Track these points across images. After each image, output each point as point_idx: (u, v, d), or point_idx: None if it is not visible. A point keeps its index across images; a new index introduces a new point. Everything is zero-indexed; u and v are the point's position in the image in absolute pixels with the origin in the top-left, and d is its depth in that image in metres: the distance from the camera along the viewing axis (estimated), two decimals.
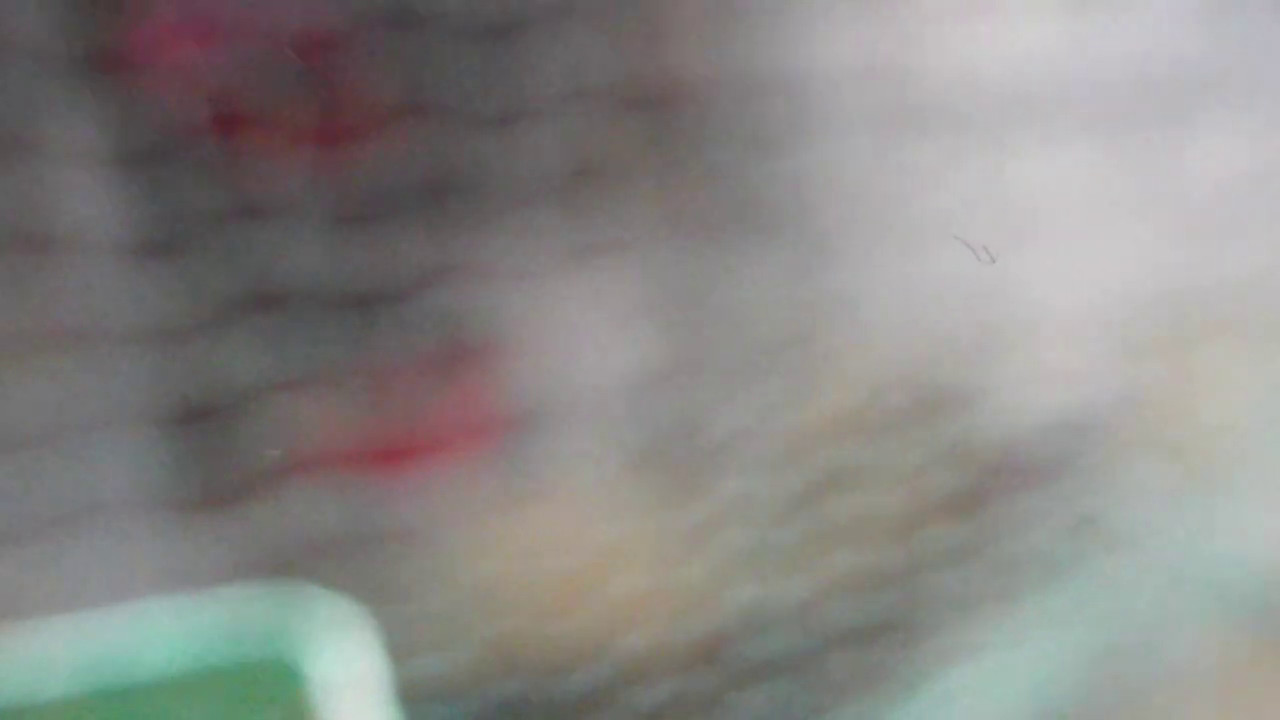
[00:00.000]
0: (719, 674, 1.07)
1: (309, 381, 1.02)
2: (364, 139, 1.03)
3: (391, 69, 1.03)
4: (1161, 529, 1.12)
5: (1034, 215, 1.11)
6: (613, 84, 1.05)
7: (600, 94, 1.05)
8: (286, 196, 1.02)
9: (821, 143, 1.08)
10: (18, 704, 0.61)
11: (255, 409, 1.02)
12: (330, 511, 1.02)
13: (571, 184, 1.05)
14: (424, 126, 1.03)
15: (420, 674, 0.96)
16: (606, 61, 1.05)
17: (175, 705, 0.62)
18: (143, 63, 1.00)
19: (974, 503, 1.09)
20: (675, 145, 1.07)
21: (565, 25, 1.04)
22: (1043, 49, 1.10)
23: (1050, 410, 1.12)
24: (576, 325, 1.07)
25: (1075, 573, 1.10)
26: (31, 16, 0.97)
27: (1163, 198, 1.12)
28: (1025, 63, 1.10)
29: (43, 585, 0.96)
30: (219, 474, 1.01)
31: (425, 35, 1.03)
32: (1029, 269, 1.10)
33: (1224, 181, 1.12)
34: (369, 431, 1.04)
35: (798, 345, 1.09)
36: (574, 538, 1.07)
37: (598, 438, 1.08)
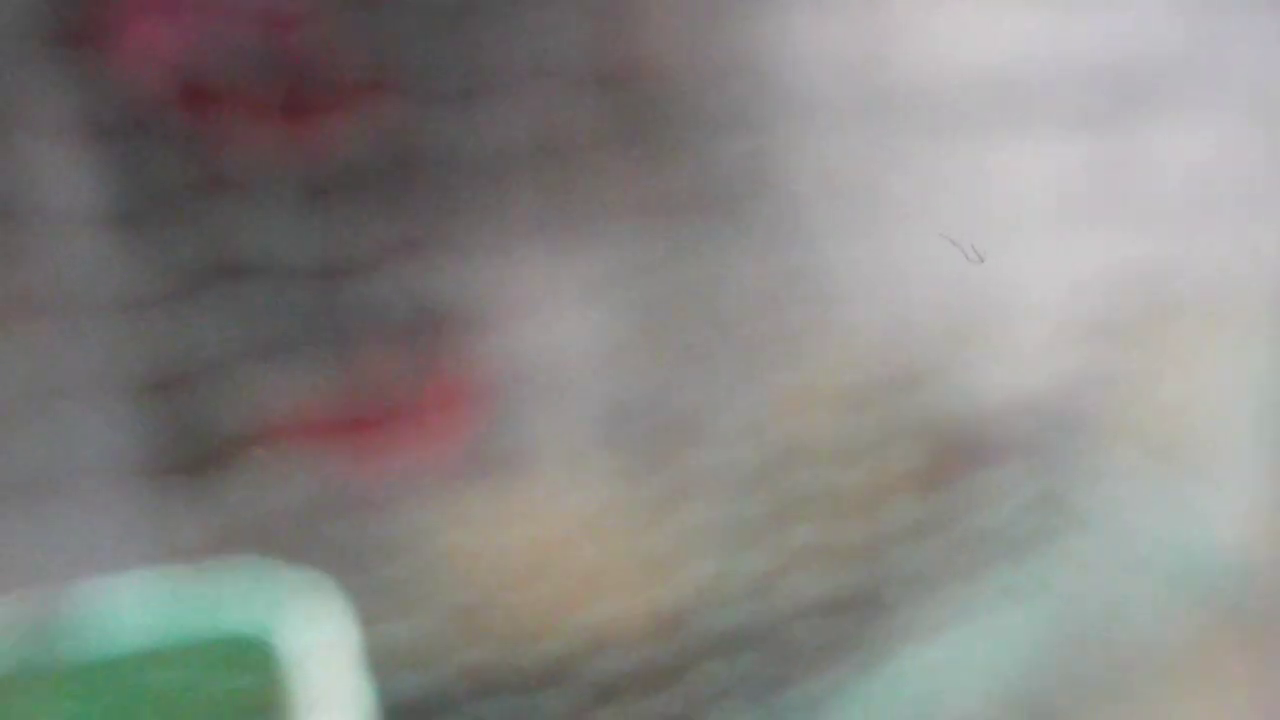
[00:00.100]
0: (682, 645, 1.07)
1: (277, 352, 1.02)
2: (330, 114, 1.03)
3: (357, 44, 1.03)
4: (1126, 509, 1.12)
5: (1002, 200, 1.11)
6: (582, 61, 1.05)
7: (569, 71, 1.05)
8: (253, 170, 1.02)
9: (792, 126, 1.09)
10: None
11: (223, 379, 1.02)
12: (297, 481, 1.02)
13: (539, 161, 1.06)
14: (391, 101, 1.03)
15: (386, 642, 0.97)
16: (576, 39, 1.05)
17: (147, 679, 0.62)
18: (111, 38, 1.00)
19: (937, 479, 1.10)
20: (645, 124, 1.08)
21: (534, 2, 1.04)
22: (1019, 38, 1.10)
23: (1014, 388, 1.13)
24: (542, 300, 1.07)
25: (1039, 551, 1.11)
26: None
27: (1133, 184, 1.12)
28: (1001, 51, 1.10)
29: (9, 555, 0.96)
30: (187, 444, 1.01)
31: (391, 10, 1.03)
32: (995, 251, 1.11)
33: (1194, 170, 1.13)
34: (336, 402, 1.04)
35: (761, 321, 1.09)
36: (538, 508, 1.07)
37: (563, 411, 1.08)
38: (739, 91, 1.07)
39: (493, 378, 1.07)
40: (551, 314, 1.08)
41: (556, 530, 1.07)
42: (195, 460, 1.01)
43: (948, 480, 1.10)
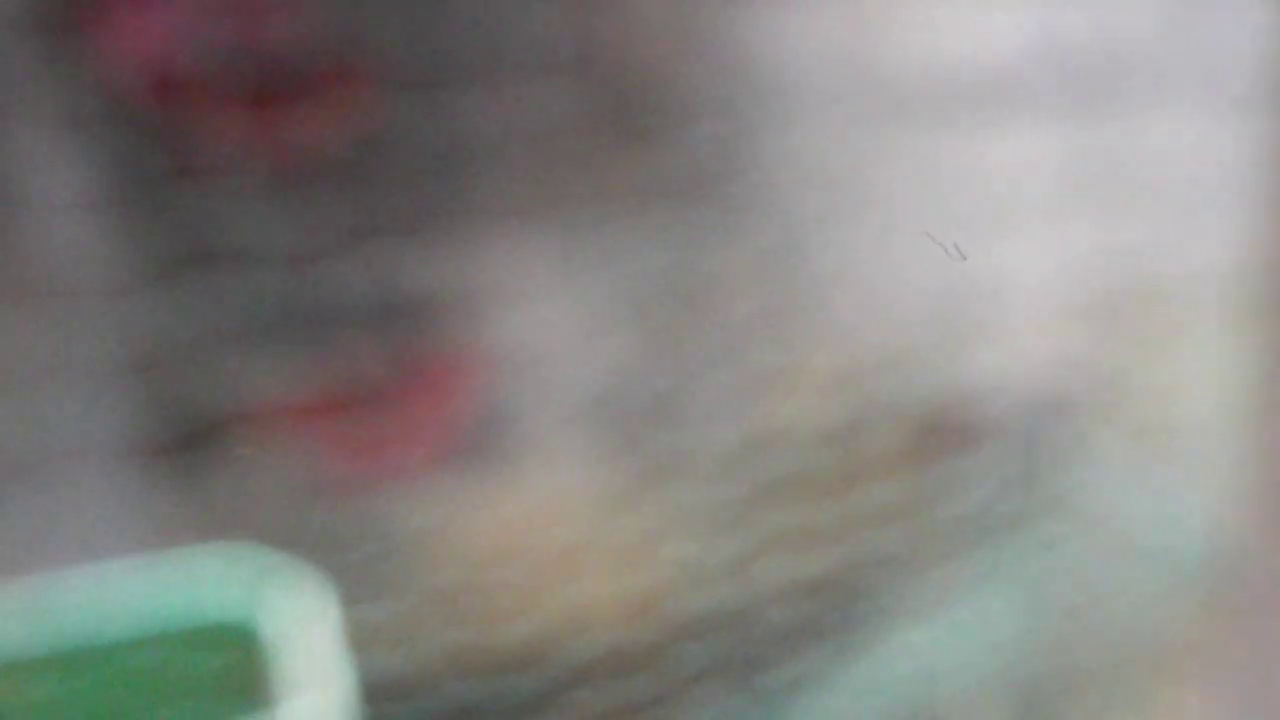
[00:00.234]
0: (660, 627, 1.07)
1: (258, 339, 1.03)
2: (307, 103, 1.03)
3: (332, 34, 1.03)
4: (1106, 493, 1.13)
5: (984, 188, 1.11)
6: (558, 49, 1.05)
7: (544, 58, 1.05)
8: (227, 158, 1.02)
9: (773, 114, 1.09)
10: None
11: (205, 365, 1.02)
12: (278, 466, 1.03)
13: (516, 147, 1.06)
14: (366, 90, 1.03)
15: (366, 624, 0.97)
16: (551, 26, 1.05)
17: (132, 662, 0.62)
18: (90, 31, 1.00)
19: (916, 462, 1.10)
20: (623, 111, 1.08)
21: None
22: (999, 30, 1.11)
23: (994, 373, 1.13)
24: (519, 285, 1.07)
25: (1019, 535, 1.11)
26: None
27: (1113, 173, 1.13)
28: (982, 42, 1.11)
29: None
30: (169, 429, 1.02)
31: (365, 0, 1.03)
32: (976, 239, 1.11)
33: (1174, 160, 1.13)
34: (316, 388, 1.05)
35: (740, 306, 1.09)
36: (516, 492, 1.07)
37: (541, 395, 1.08)
38: (719, 79, 1.08)
39: (470, 362, 1.07)
40: (528, 299, 1.08)
41: (535, 514, 1.07)
42: (178, 445, 1.01)
43: (927, 463, 1.10)
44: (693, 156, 1.08)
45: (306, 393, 1.04)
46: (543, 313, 1.08)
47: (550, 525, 1.07)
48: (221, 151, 1.01)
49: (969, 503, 1.10)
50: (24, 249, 0.99)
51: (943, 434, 1.11)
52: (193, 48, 1.00)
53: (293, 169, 1.03)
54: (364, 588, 1.00)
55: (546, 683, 1.05)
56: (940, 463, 1.10)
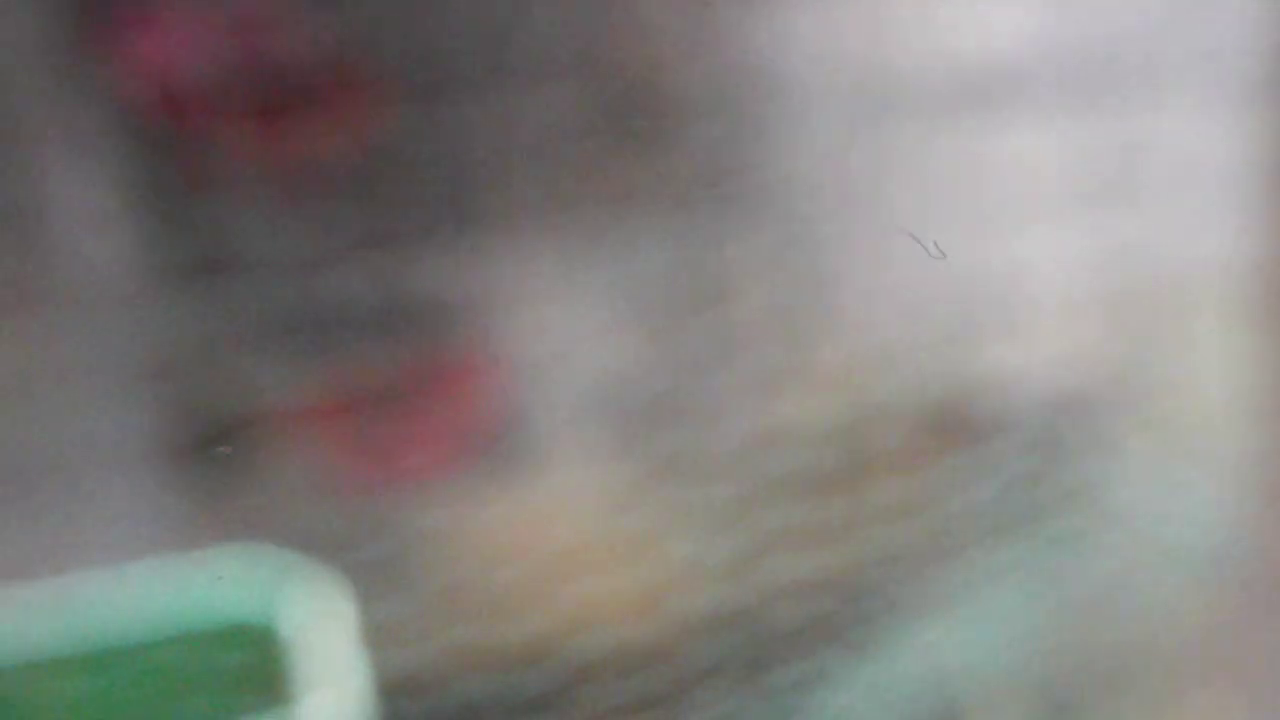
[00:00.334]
0: (667, 624, 1.07)
1: (270, 344, 1.03)
2: (316, 113, 1.04)
3: (337, 44, 1.04)
4: (1118, 488, 1.12)
5: (988, 183, 1.11)
6: (562, 52, 1.06)
7: (549, 62, 1.06)
8: (240, 169, 1.03)
9: (776, 113, 1.09)
10: None
11: (221, 369, 1.03)
12: (293, 468, 1.03)
13: (520, 152, 1.06)
14: (374, 99, 1.04)
15: (375, 621, 0.98)
16: (556, 30, 1.06)
17: (152, 662, 0.64)
18: (102, 47, 1.01)
19: (923, 458, 1.10)
20: (626, 113, 1.08)
21: None
22: (999, 25, 1.11)
23: (1002, 367, 1.13)
24: (523, 286, 1.08)
25: (1029, 531, 1.10)
26: None
27: (1119, 167, 1.13)
28: (983, 37, 1.11)
29: (11, 544, 0.97)
30: (186, 432, 1.02)
31: (368, 8, 1.03)
32: (981, 233, 1.11)
33: (1180, 154, 1.13)
34: (327, 391, 1.05)
35: (745, 303, 1.10)
36: (525, 490, 1.08)
37: (547, 394, 1.09)
38: (721, 80, 1.08)
39: (481, 365, 1.08)
40: (536, 302, 1.08)
41: (544, 512, 1.07)
42: (198, 449, 1.02)
43: (938, 459, 1.10)
44: (697, 157, 1.08)
45: (321, 397, 1.05)
46: (550, 315, 1.08)
47: (559, 524, 1.07)
48: (233, 163, 1.02)
49: (979, 499, 1.10)
50: (46, 259, 1.00)
51: (953, 430, 1.11)
52: (202, 64, 1.01)
53: (304, 178, 1.04)
54: (379, 587, 1.01)
55: (556, 680, 1.06)
56: (952, 458, 1.10)
